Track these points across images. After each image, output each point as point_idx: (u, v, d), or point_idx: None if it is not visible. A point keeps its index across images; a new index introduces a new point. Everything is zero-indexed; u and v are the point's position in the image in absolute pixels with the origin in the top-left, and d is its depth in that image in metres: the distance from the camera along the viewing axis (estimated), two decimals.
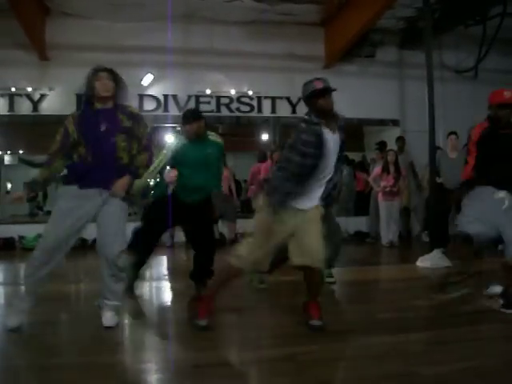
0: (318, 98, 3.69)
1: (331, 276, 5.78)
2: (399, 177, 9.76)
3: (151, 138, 4.22)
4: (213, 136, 5.23)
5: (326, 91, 3.69)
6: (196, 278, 5.25)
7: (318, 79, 3.75)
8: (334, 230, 5.64)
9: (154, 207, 5.25)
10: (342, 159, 3.94)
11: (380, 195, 9.86)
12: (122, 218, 4.05)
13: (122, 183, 3.95)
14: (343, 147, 3.84)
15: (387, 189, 9.70)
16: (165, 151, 5.14)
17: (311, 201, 3.82)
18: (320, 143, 3.62)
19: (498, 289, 4.53)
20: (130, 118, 4.08)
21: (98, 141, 3.89)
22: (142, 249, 5.01)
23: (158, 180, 5.39)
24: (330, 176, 3.81)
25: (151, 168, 4.87)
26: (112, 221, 3.96)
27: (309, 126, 3.69)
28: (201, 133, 5.06)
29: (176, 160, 5.08)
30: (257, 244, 3.81)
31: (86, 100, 4.07)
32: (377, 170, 9.99)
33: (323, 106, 3.69)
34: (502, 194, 4.24)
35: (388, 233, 9.86)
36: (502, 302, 4.33)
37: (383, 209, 9.87)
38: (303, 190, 3.75)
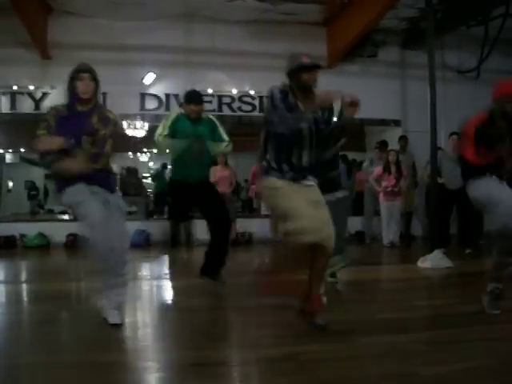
0: (303, 72, 3.67)
1: (334, 276, 5.78)
2: (400, 177, 9.76)
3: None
4: (205, 115, 5.55)
5: (313, 67, 3.69)
6: (209, 272, 5.34)
7: (304, 54, 3.72)
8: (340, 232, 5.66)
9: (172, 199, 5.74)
10: (328, 139, 3.96)
11: (381, 195, 9.86)
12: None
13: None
14: (326, 127, 3.85)
15: (388, 189, 9.69)
16: (165, 120, 5.41)
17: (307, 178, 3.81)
18: (291, 111, 3.62)
19: None
20: (106, 123, 4.04)
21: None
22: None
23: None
24: (315, 155, 3.80)
25: (159, 131, 5.26)
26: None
27: (283, 95, 3.66)
28: (201, 114, 5.40)
29: (175, 133, 5.28)
30: (301, 215, 3.62)
31: (69, 101, 4.08)
32: (378, 170, 9.98)
33: (306, 81, 3.67)
34: None
35: (388, 233, 9.85)
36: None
37: (384, 209, 9.87)
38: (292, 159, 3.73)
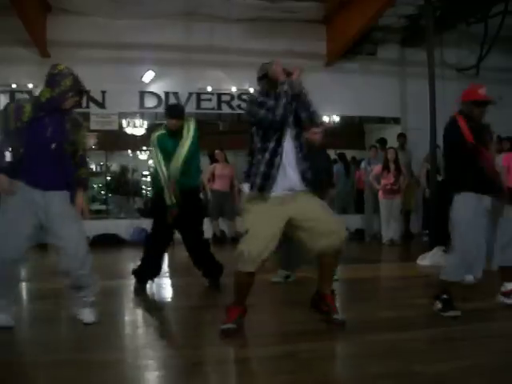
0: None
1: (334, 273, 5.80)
2: (399, 175, 9.76)
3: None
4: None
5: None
6: (209, 275, 5.41)
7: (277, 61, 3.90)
8: None
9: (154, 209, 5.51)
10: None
11: (380, 193, 9.86)
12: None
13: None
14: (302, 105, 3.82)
15: (388, 187, 9.70)
16: (153, 148, 5.37)
17: (292, 182, 3.73)
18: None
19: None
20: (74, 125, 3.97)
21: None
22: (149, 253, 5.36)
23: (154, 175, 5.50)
24: (294, 155, 3.75)
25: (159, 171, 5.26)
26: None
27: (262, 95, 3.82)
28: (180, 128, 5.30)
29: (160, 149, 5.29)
30: (255, 237, 3.62)
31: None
32: (377, 168, 9.97)
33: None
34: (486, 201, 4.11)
35: (388, 231, 9.85)
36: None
37: (383, 207, 9.87)
38: (275, 168, 3.68)
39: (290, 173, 3.71)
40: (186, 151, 5.19)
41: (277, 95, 3.67)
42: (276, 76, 3.78)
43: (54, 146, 3.76)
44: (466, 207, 4.05)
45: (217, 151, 10.10)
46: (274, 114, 3.62)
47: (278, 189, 3.68)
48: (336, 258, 3.84)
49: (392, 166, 9.71)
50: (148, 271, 5.37)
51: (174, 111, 5.39)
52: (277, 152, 3.68)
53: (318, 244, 3.68)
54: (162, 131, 5.36)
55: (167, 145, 5.24)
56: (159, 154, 5.28)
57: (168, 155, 5.20)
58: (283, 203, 3.68)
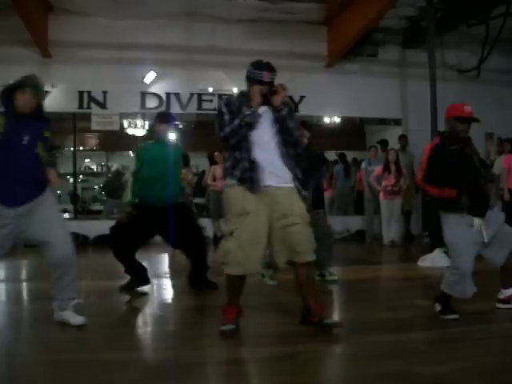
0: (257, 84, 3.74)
1: (333, 274, 5.80)
2: (400, 176, 9.76)
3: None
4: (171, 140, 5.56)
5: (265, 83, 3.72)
6: (196, 284, 5.41)
7: (268, 69, 3.78)
8: (325, 232, 5.69)
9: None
10: (290, 142, 3.83)
11: (381, 194, 9.86)
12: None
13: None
14: (286, 130, 3.76)
15: (388, 188, 9.70)
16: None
17: (275, 178, 3.71)
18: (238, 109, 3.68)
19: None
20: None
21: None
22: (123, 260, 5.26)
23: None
24: (279, 153, 3.73)
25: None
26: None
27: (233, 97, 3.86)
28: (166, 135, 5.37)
29: (144, 161, 5.28)
30: (238, 239, 3.59)
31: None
32: (378, 169, 9.97)
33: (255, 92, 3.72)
34: (477, 222, 4.09)
35: (389, 232, 9.85)
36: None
37: (384, 208, 9.87)
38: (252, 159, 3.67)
39: (267, 170, 3.69)
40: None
41: (239, 111, 3.66)
42: (250, 98, 3.73)
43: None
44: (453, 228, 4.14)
45: (216, 153, 10.09)
46: (222, 130, 3.71)
47: (259, 184, 3.66)
48: (310, 268, 3.82)
49: (393, 168, 9.72)
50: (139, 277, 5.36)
51: (167, 116, 5.50)
52: (251, 151, 3.69)
53: (290, 252, 3.67)
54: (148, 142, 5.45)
55: (154, 152, 5.27)
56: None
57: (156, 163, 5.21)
58: (264, 198, 3.65)
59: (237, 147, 3.73)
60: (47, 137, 3.93)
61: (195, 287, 5.43)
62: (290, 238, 3.63)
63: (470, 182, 4.02)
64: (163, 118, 5.44)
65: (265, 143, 3.73)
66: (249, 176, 3.65)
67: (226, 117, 3.71)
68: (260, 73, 3.75)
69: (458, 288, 4.03)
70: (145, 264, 5.39)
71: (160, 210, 5.05)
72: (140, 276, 5.32)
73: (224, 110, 3.78)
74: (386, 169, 9.74)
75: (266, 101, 3.71)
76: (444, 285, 4.12)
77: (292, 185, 3.76)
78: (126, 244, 5.17)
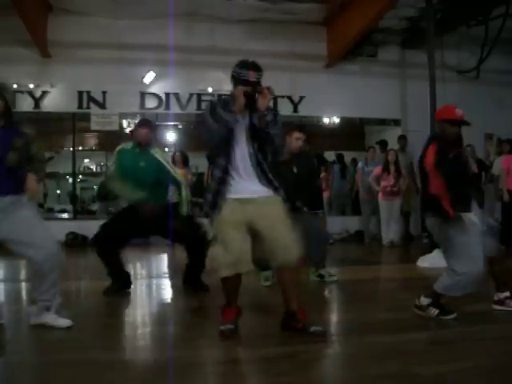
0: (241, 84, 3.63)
1: (333, 275, 5.80)
2: (400, 176, 9.76)
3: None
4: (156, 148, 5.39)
5: (250, 83, 3.61)
6: (190, 284, 5.40)
7: (253, 68, 3.66)
8: (319, 233, 5.69)
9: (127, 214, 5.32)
10: (270, 149, 3.79)
11: (380, 195, 9.86)
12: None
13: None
14: (266, 137, 3.67)
15: (388, 188, 9.69)
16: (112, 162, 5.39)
17: (252, 187, 3.68)
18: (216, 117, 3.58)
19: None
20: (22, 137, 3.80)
21: None
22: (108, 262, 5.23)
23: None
24: (256, 161, 3.69)
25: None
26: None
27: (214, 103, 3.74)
28: (150, 141, 5.29)
29: (124, 169, 5.22)
30: (224, 243, 3.65)
31: None
32: (377, 170, 9.97)
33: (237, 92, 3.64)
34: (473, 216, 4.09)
35: (388, 232, 9.85)
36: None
37: (383, 209, 9.87)
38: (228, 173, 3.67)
39: (245, 184, 3.68)
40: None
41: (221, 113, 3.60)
42: (235, 100, 3.64)
43: None
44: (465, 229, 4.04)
45: None
46: (207, 134, 3.66)
47: (236, 193, 3.66)
48: (293, 273, 3.78)
49: (392, 168, 9.71)
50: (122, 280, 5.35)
51: (146, 120, 5.61)
52: (228, 168, 3.67)
53: (273, 258, 3.66)
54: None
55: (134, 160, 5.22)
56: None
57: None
58: (243, 205, 3.65)
59: (218, 154, 3.72)
60: (18, 147, 3.70)
61: (189, 286, 5.42)
62: (273, 244, 3.61)
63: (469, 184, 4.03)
64: (142, 122, 5.52)
65: (243, 151, 3.68)
66: (217, 188, 3.68)
67: (210, 121, 3.61)
68: (246, 72, 3.62)
69: (457, 288, 4.04)
70: (143, 263, 5.40)
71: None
72: (123, 278, 5.32)
73: (207, 114, 3.65)
74: (386, 169, 9.73)
75: (250, 102, 3.60)
76: (441, 288, 4.13)
77: (272, 193, 3.72)
78: (111, 243, 5.16)
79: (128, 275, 5.40)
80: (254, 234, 3.67)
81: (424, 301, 4.23)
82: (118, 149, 5.33)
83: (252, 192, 3.68)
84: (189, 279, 5.44)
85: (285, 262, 3.62)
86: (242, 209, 3.64)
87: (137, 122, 5.60)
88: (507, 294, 4.34)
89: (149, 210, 5.02)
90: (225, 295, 3.79)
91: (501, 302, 4.33)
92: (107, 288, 5.19)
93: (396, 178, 9.71)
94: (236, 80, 3.67)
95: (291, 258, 3.61)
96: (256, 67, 3.67)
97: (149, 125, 5.37)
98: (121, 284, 5.28)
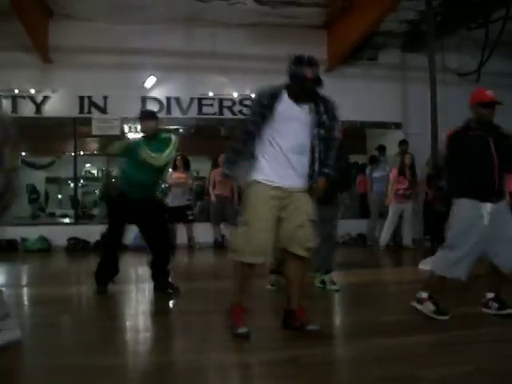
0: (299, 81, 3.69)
1: (335, 283, 5.75)
2: (415, 180, 9.76)
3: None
4: (165, 134, 5.58)
5: (296, 78, 3.67)
6: (160, 287, 5.49)
7: (310, 65, 3.66)
8: (331, 233, 5.67)
9: (110, 209, 5.62)
10: (327, 143, 3.81)
11: (392, 198, 9.80)
12: None
13: None
14: (325, 129, 3.76)
15: (400, 191, 9.68)
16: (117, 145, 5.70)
17: (293, 179, 3.74)
18: (268, 103, 3.67)
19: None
20: None
21: None
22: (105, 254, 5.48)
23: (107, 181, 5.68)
24: (308, 156, 3.76)
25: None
26: None
27: (265, 90, 3.76)
28: (155, 131, 5.46)
29: (128, 156, 5.44)
30: (251, 230, 3.66)
31: None
32: (393, 173, 9.91)
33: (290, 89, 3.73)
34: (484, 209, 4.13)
35: (387, 235, 9.83)
36: (496, 305, 4.33)
37: (393, 211, 9.81)
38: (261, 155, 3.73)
39: (293, 171, 3.72)
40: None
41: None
42: (295, 96, 3.75)
43: None
44: (462, 213, 4.14)
45: (222, 155, 9.97)
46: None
47: (278, 182, 3.70)
48: (302, 268, 3.85)
49: (408, 172, 9.73)
50: (107, 272, 5.46)
51: (148, 112, 5.84)
52: (283, 148, 3.69)
53: (290, 245, 3.74)
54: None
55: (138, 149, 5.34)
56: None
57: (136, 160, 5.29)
58: (280, 197, 3.71)
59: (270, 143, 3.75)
60: None
61: (159, 290, 5.49)
62: (298, 235, 3.71)
63: (480, 167, 4.09)
64: (142, 114, 5.67)
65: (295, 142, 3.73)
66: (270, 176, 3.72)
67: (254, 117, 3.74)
68: (303, 70, 3.64)
69: (454, 271, 4.07)
70: (143, 268, 5.42)
71: (135, 201, 5.28)
72: (111, 274, 5.50)
73: (255, 107, 3.78)
74: (401, 172, 9.72)
75: (308, 98, 3.72)
76: (439, 268, 4.22)
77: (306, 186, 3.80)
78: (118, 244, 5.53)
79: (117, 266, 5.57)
80: (281, 224, 3.75)
81: (423, 294, 4.30)
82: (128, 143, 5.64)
83: (293, 183, 3.73)
84: (157, 282, 5.52)
85: (302, 249, 3.72)
86: (279, 197, 3.70)
87: (139, 114, 5.73)
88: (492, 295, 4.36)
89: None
90: (236, 289, 3.84)
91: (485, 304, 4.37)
92: (100, 289, 5.37)
93: (411, 181, 9.72)
94: (293, 78, 3.70)
95: (308, 246, 3.73)
96: (309, 63, 3.67)
97: (154, 116, 5.59)
98: (110, 276, 5.47)
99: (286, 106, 3.70)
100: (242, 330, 3.67)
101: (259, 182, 3.71)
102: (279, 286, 5.40)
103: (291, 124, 3.70)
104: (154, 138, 5.37)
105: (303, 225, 3.74)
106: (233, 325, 3.73)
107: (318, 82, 3.67)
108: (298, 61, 3.68)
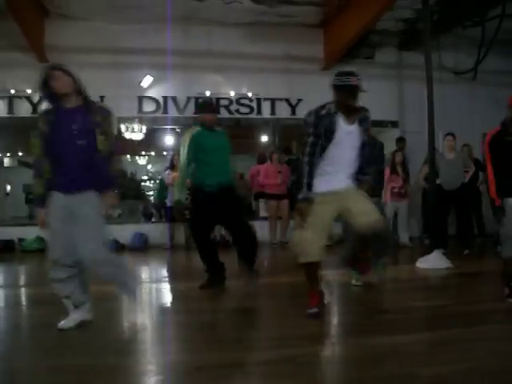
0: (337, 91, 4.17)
1: (358, 279, 5.75)
2: (407, 178, 9.76)
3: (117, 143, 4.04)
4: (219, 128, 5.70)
5: (344, 87, 4.14)
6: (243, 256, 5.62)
7: (352, 74, 4.19)
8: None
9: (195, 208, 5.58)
10: (366, 151, 4.25)
11: (387, 196, 9.79)
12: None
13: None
14: (364, 140, 4.20)
15: (395, 190, 9.68)
16: (182, 148, 5.51)
17: (341, 182, 4.14)
18: (316, 122, 4.13)
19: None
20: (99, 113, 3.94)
21: (68, 141, 3.79)
22: (203, 254, 5.51)
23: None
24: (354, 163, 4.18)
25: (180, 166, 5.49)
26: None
27: (315, 110, 4.24)
28: (215, 124, 5.60)
29: (196, 148, 5.45)
30: (306, 231, 4.09)
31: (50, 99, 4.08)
32: (386, 172, 9.90)
33: (339, 99, 4.20)
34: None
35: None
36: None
37: (389, 210, 9.81)
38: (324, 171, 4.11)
39: (339, 175, 4.14)
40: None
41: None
42: (340, 107, 4.25)
43: None
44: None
45: None
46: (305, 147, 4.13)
47: (327, 187, 4.10)
48: (374, 238, 4.15)
49: (399, 169, 9.71)
50: (215, 273, 5.53)
51: (210, 105, 5.87)
52: (326, 159, 4.11)
53: (357, 221, 4.05)
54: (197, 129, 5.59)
55: (207, 139, 5.46)
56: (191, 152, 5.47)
57: (207, 150, 5.41)
58: (333, 199, 4.10)
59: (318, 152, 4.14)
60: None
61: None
62: (358, 212, 4.07)
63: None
64: (208, 107, 5.77)
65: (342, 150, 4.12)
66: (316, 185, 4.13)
67: (310, 135, 4.14)
68: (347, 78, 4.16)
69: None
70: (143, 268, 5.40)
71: (213, 194, 5.37)
72: (217, 273, 5.55)
73: (310, 126, 4.18)
74: (393, 171, 9.71)
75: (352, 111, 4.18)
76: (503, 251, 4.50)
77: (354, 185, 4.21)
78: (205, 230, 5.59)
79: (222, 268, 5.59)
80: (343, 215, 4.20)
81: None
82: (191, 133, 5.53)
83: (341, 185, 4.13)
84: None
85: (368, 225, 3.99)
86: (332, 199, 4.10)
87: (200, 104, 6.19)
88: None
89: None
90: (307, 281, 4.26)
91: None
92: (203, 283, 5.43)
93: (404, 179, 9.71)
94: (338, 87, 4.20)
95: (374, 220, 4.01)
96: (353, 73, 4.23)
97: (214, 109, 5.77)
98: (215, 278, 5.49)
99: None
100: (312, 310, 4.14)
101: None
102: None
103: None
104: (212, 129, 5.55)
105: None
106: (307, 306, 4.18)
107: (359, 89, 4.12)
108: (342, 73, 4.23)
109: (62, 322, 3.89)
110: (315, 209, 4.06)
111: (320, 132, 4.07)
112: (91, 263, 3.83)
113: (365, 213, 4.04)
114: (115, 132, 3.99)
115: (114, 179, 3.97)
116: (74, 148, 3.77)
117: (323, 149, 4.07)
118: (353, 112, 4.15)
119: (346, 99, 4.11)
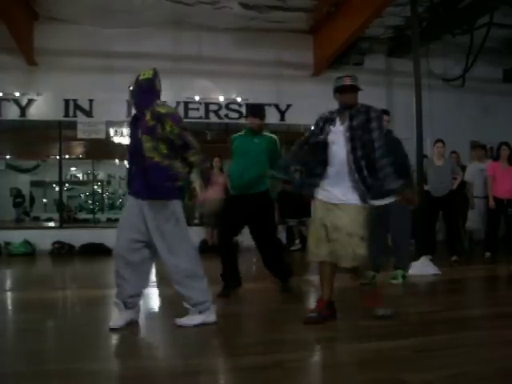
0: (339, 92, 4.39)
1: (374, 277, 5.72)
2: None
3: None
4: (266, 132, 5.64)
5: (337, 88, 4.39)
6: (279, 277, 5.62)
7: (347, 76, 4.44)
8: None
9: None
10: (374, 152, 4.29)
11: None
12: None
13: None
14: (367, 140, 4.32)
15: None
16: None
17: (341, 193, 4.12)
18: (317, 122, 4.36)
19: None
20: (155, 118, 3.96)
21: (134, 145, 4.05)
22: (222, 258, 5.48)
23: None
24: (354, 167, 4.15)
25: None
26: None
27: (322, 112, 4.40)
28: (257, 128, 5.51)
29: (233, 151, 5.56)
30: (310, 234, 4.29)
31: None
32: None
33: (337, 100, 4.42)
34: None
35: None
36: None
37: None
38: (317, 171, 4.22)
39: (337, 186, 4.14)
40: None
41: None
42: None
43: None
44: None
45: (216, 158, 9.87)
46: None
47: (327, 196, 4.16)
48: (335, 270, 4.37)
49: None
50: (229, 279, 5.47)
51: (261, 110, 5.74)
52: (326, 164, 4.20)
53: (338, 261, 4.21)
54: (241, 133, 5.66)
55: (247, 144, 5.46)
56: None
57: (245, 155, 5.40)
58: (327, 208, 4.15)
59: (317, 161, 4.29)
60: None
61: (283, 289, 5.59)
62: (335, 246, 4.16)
63: None
64: (259, 111, 5.68)
65: (340, 158, 4.22)
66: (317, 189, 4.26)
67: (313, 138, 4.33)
68: (341, 79, 4.40)
69: None
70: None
71: (237, 198, 5.36)
72: (233, 280, 5.51)
73: (313, 129, 4.37)
74: None
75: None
76: None
77: (358, 202, 4.13)
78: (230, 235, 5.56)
79: (239, 276, 5.57)
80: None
81: None
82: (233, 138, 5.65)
83: (339, 199, 4.14)
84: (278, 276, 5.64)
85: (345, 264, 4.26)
86: (327, 209, 4.15)
87: (246, 108, 5.90)
88: None
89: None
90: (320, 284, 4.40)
91: None
92: (219, 292, 5.33)
93: None
94: (334, 89, 4.44)
95: (349, 264, 4.24)
96: (348, 75, 4.51)
97: (258, 114, 5.57)
98: (230, 285, 5.44)
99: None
100: (309, 314, 4.19)
101: None
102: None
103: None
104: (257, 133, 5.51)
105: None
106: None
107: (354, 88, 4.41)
108: (339, 76, 4.46)
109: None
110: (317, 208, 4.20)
111: (315, 129, 4.29)
112: None
113: (344, 253, 4.13)
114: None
115: None
116: None
117: (323, 148, 4.19)
118: (347, 111, 4.40)
119: (341, 99, 4.36)
